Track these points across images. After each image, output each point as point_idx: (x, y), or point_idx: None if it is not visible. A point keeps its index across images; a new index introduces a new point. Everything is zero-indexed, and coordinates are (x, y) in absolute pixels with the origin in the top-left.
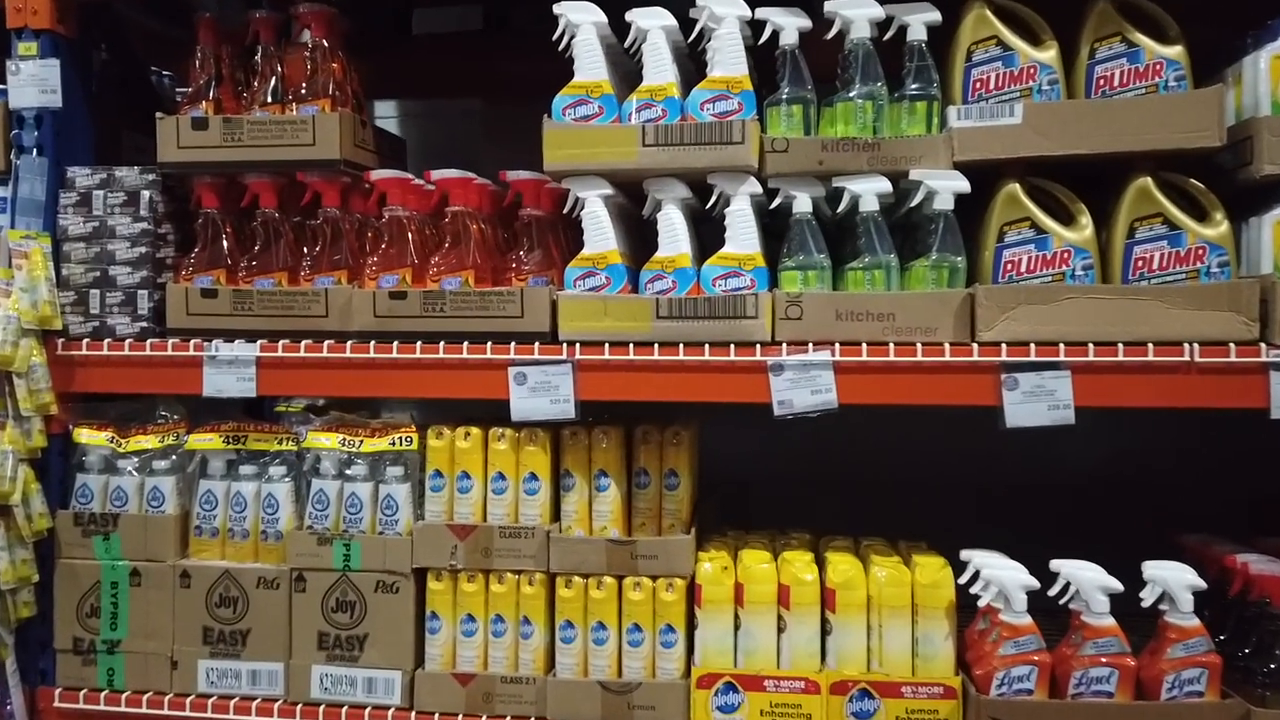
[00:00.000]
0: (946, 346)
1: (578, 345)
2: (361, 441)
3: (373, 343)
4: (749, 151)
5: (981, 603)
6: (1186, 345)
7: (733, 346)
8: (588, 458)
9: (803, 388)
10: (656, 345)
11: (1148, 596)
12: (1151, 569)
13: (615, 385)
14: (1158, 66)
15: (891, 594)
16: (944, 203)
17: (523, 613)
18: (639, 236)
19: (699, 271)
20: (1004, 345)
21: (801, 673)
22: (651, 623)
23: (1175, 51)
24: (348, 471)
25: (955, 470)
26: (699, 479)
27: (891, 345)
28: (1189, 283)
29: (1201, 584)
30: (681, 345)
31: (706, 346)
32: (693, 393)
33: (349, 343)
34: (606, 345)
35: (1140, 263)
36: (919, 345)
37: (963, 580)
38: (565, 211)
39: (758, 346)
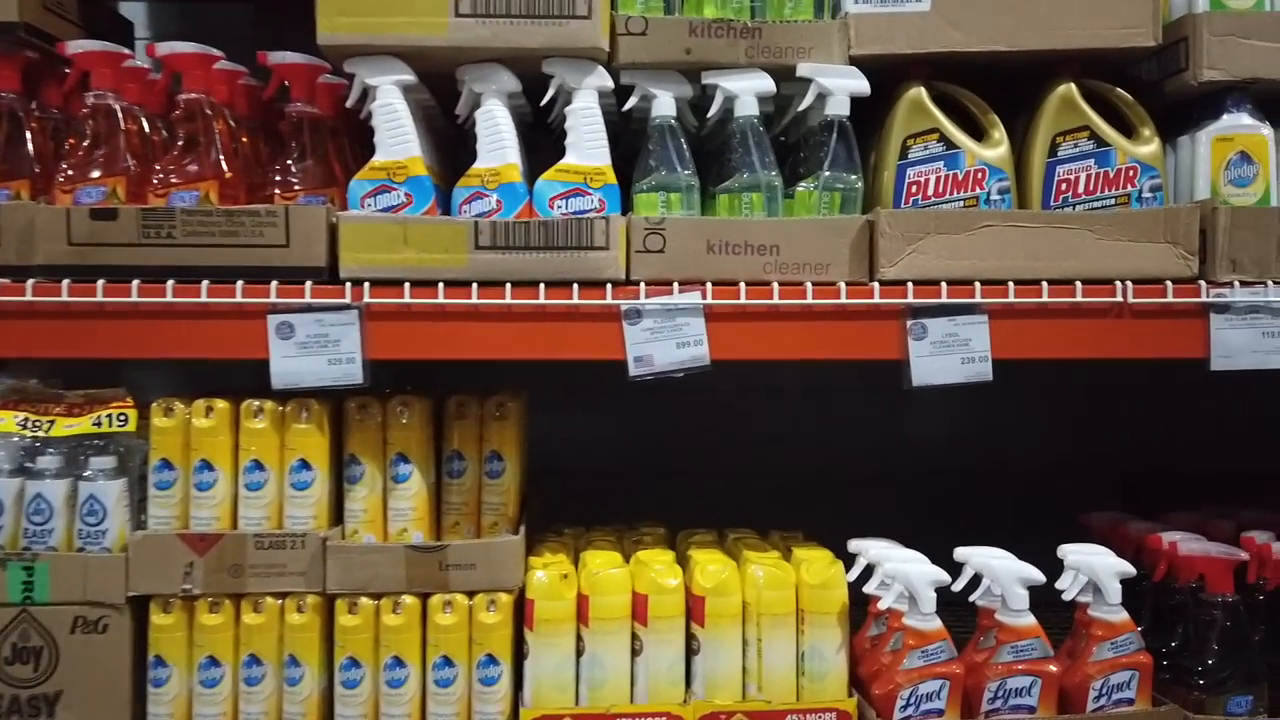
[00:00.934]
0: (842, 286)
1: (366, 285)
2: (52, 422)
3: (66, 281)
4: (597, 29)
5: (883, 604)
6: (1119, 284)
7: (576, 286)
8: (382, 438)
9: (666, 339)
10: (475, 285)
11: (1069, 587)
12: (1074, 555)
13: (419, 340)
14: None
15: (773, 599)
16: (838, 107)
17: (288, 650)
18: (449, 155)
19: (531, 189)
20: (910, 284)
21: (663, 706)
22: (467, 654)
23: None
24: (31, 465)
25: (812, 451)
26: (528, 464)
27: (776, 285)
28: (1119, 209)
29: (1131, 570)
30: (508, 285)
31: (541, 287)
32: (523, 348)
33: (30, 281)
34: (407, 285)
35: (1064, 185)
36: (809, 285)
37: (853, 576)
38: (350, 107)
39: (608, 287)
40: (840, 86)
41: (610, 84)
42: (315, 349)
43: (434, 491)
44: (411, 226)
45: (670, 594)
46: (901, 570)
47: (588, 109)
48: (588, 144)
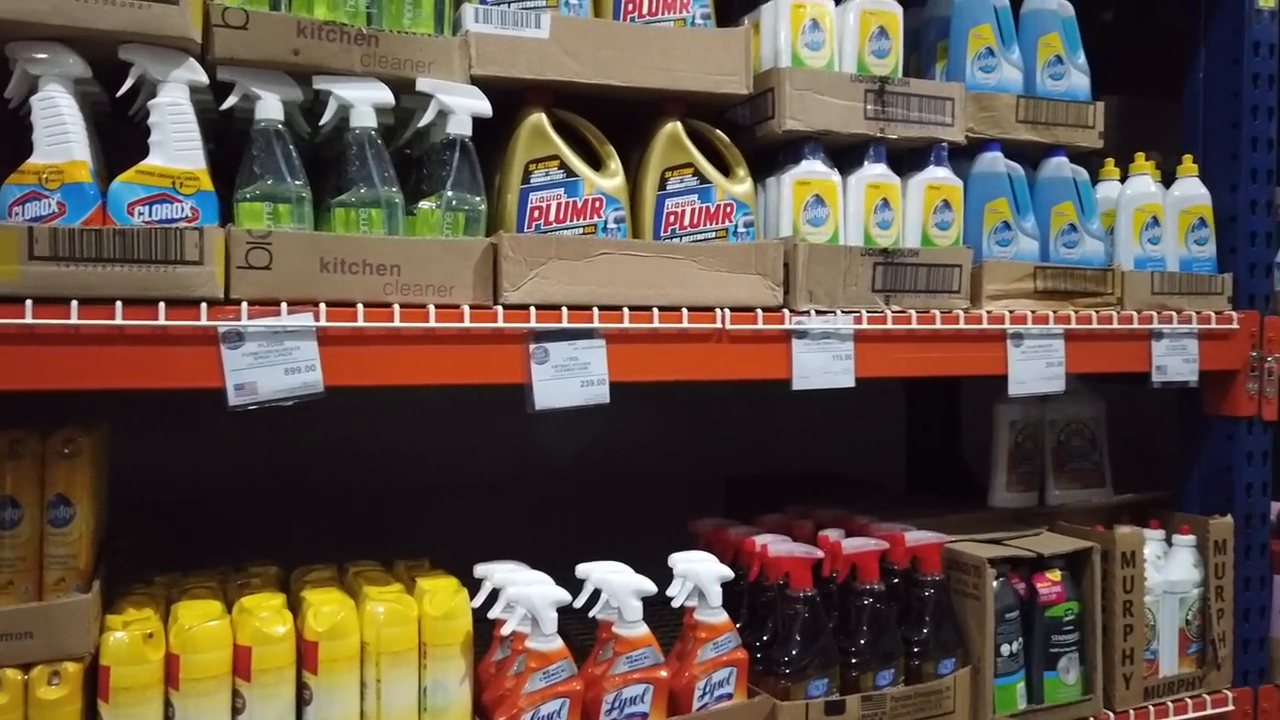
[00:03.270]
0: (466, 309)
1: None
2: None
3: None
4: (186, 17)
5: (507, 628)
6: (719, 311)
7: (163, 305)
8: None
9: (273, 364)
10: (30, 302)
11: (678, 594)
12: (683, 563)
13: None
14: None
15: (393, 636)
16: (460, 126)
17: None
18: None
19: (105, 191)
20: (533, 309)
21: None
22: None
23: None
24: None
25: (439, 468)
26: (110, 505)
27: (397, 307)
28: (719, 242)
29: (729, 573)
30: (75, 303)
31: (119, 305)
32: (95, 376)
33: None
34: None
35: (673, 217)
36: (431, 307)
37: (478, 602)
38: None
39: (203, 306)
40: (462, 105)
41: (204, 79)
42: None
43: None
44: None
45: (278, 643)
46: (524, 594)
47: (176, 105)
48: (177, 144)
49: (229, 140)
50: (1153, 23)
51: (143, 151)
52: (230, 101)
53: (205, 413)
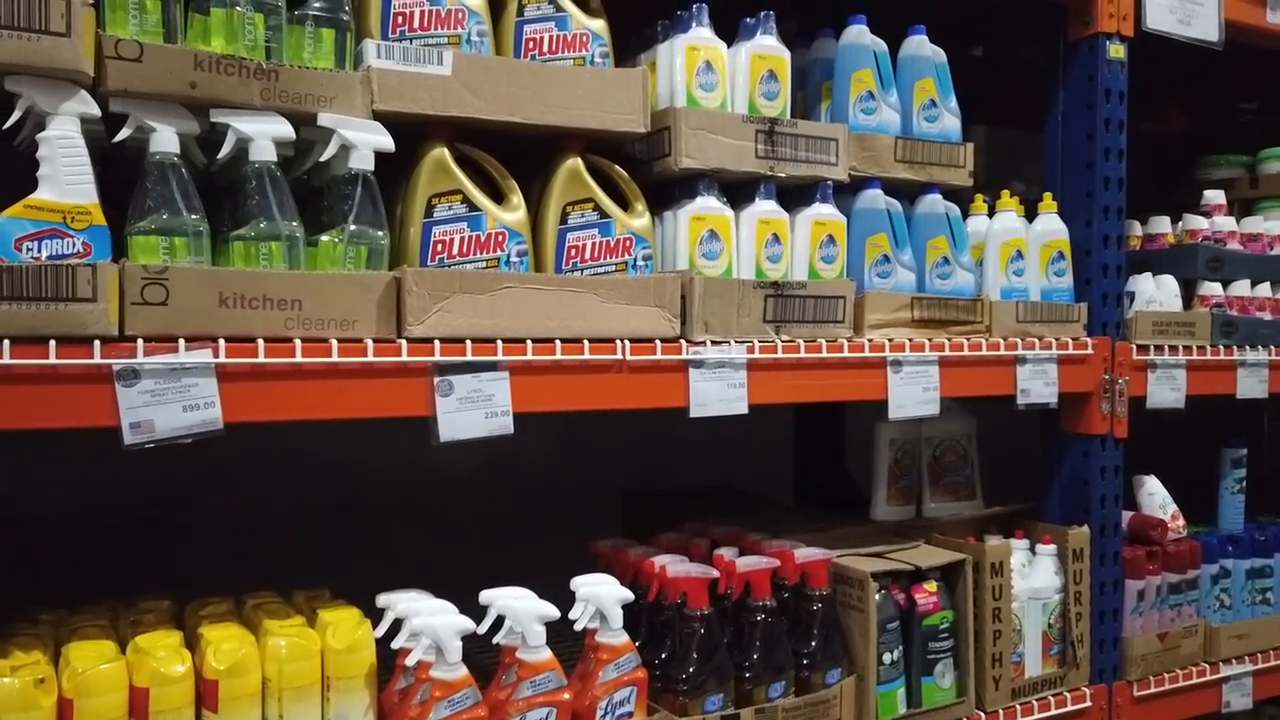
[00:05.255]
0: (369, 344)
1: None
2: None
3: None
4: (78, 49)
5: (412, 659)
6: (619, 342)
7: (53, 344)
8: None
9: (171, 402)
10: None
11: (580, 617)
12: (585, 587)
13: None
14: (584, 38)
15: (296, 671)
16: (363, 161)
17: None
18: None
19: None
20: (437, 342)
21: None
22: None
23: (599, 25)
24: None
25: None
26: None
27: (299, 342)
28: (619, 275)
29: (630, 595)
30: None
31: (6, 344)
32: None
33: None
34: None
35: (574, 251)
36: (334, 342)
37: (380, 632)
38: None
39: (96, 344)
40: (364, 141)
41: (96, 111)
42: None
43: None
44: None
45: (177, 683)
46: (429, 624)
47: (67, 138)
48: (68, 178)
49: (115, 165)
50: (1016, 59)
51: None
52: (123, 134)
53: (80, 435)
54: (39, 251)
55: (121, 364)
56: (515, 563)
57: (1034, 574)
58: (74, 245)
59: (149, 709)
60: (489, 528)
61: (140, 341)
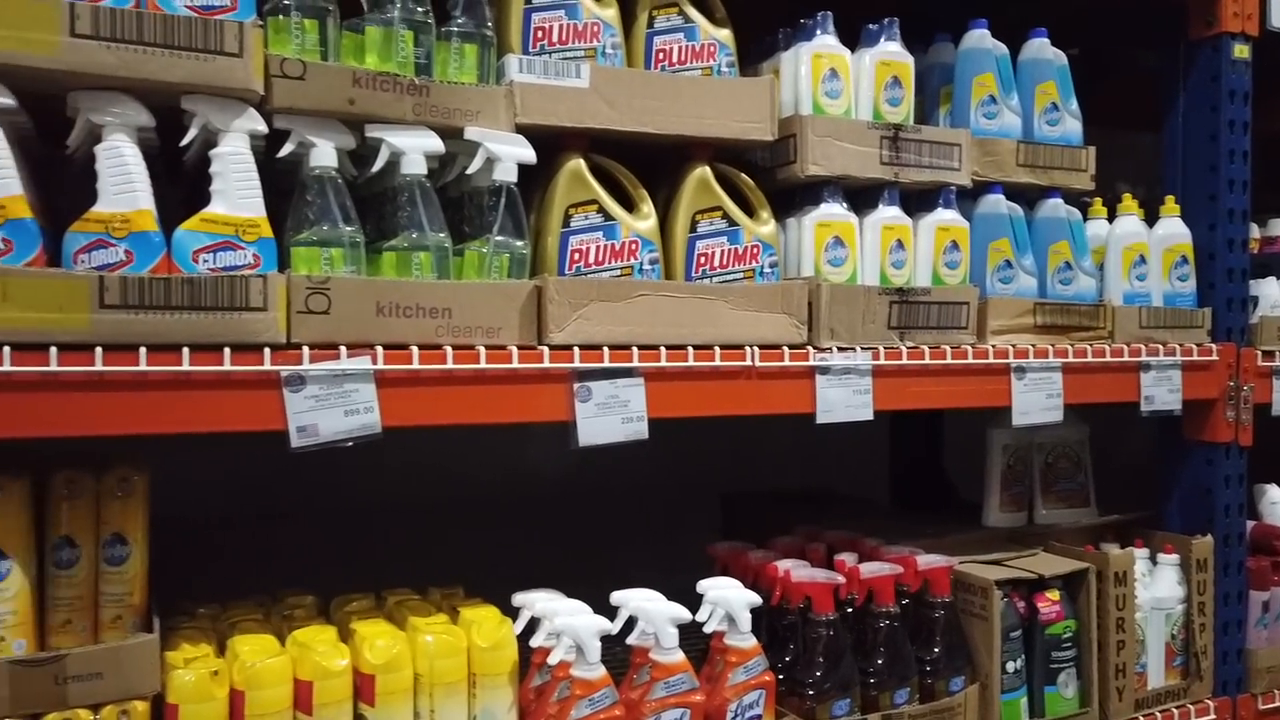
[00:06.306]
0: (514, 350)
1: None
2: None
3: None
4: (249, 69)
5: (554, 658)
6: (748, 349)
7: (228, 351)
8: None
9: (333, 407)
10: (100, 350)
11: (709, 620)
12: (713, 591)
13: (24, 415)
14: (711, 48)
15: (446, 667)
16: (506, 173)
17: None
18: (45, 188)
19: (170, 239)
20: (577, 349)
21: None
22: None
23: (725, 35)
24: None
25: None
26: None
27: (449, 349)
28: (746, 282)
29: (758, 600)
30: (144, 349)
31: (186, 351)
32: (164, 421)
33: None
34: (6, 350)
35: (703, 259)
36: (481, 349)
37: (517, 630)
38: None
39: (266, 351)
40: (509, 153)
41: (264, 128)
42: None
43: (36, 588)
44: (13, 280)
45: (338, 677)
46: (570, 624)
47: (239, 154)
48: (239, 193)
49: (266, 178)
50: (1121, 61)
51: (87, 195)
52: (286, 149)
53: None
54: (214, 263)
55: (289, 370)
56: (616, 564)
57: (1156, 584)
58: (245, 257)
59: (313, 701)
60: (588, 529)
61: (306, 349)
